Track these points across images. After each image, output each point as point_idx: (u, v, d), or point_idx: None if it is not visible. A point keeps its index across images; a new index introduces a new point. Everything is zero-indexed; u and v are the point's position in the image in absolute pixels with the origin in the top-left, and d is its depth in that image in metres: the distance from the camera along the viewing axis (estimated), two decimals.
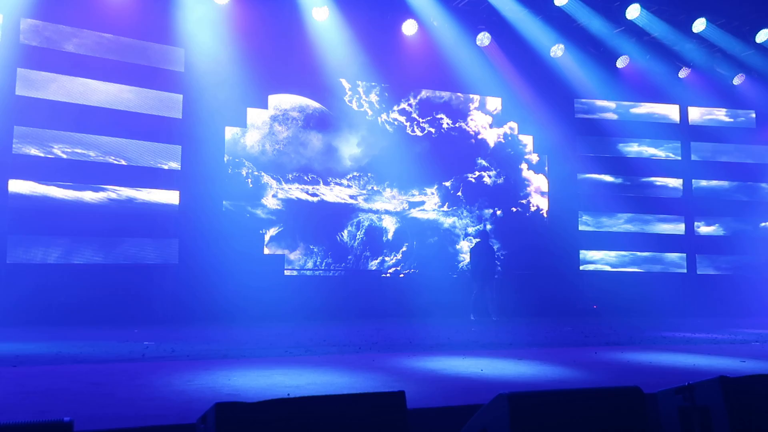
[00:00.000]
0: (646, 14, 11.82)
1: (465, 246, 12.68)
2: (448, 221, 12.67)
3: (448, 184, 12.66)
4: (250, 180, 11.17)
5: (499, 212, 12.92)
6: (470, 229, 12.77)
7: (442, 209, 12.61)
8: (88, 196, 9.87)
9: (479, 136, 12.93)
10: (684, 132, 14.12)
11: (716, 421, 2.93)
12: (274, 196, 11.35)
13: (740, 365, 5.27)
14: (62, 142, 9.70)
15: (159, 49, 10.54)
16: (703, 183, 14.11)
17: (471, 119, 12.88)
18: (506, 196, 13.04)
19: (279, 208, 11.37)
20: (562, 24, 11.94)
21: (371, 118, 12.12)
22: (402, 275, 12.10)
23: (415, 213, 12.43)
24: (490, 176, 12.92)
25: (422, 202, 12.49)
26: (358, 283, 11.70)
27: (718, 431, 2.92)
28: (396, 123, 12.33)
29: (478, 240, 11.63)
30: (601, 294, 12.44)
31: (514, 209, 12.97)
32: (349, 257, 11.97)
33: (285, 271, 11.28)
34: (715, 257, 13.99)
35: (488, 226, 12.51)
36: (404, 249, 12.31)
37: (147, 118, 10.31)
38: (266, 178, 11.31)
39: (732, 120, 14.37)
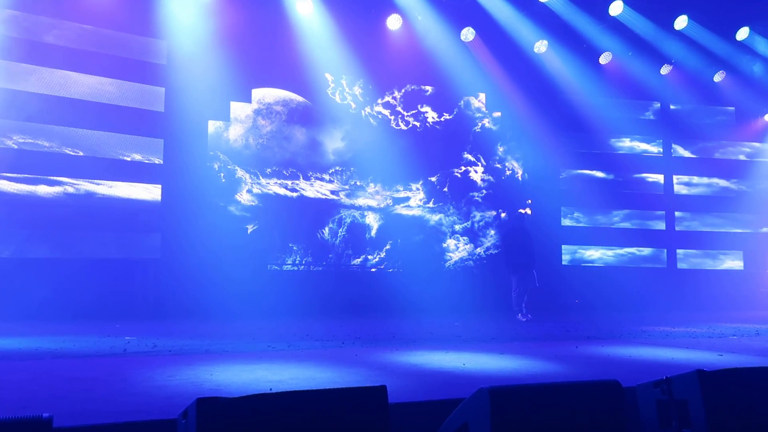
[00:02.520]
0: (628, 11, 11.90)
1: (452, 244, 12.59)
2: (434, 218, 12.47)
3: (434, 179, 12.50)
4: (222, 174, 10.94)
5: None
6: (457, 227, 12.60)
7: (427, 205, 12.42)
8: (68, 189, 9.76)
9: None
10: (665, 128, 14.26)
11: (693, 414, 2.97)
12: (248, 191, 11.08)
13: (717, 359, 5.35)
14: (42, 135, 9.57)
15: (141, 41, 10.42)
16: (685, 179, 14.28)
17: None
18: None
19: (254, 204, 11.09)
20: (546, 20, 11.98)
21: (354, 111, 11.99)
22: (391, 270, 12.01)
23: (400, 209, 12.23)
24: (476, 171, 12.84)
25: (407, 198, 12.29)
26: (342, 278, 11.64)
27: (696, 424, 2.96)
28: (380, 116, 12.21)
29: (513, 223, 10.51)
30: (583, 289, 12.52)
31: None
32: (330, 255, 11.73)
33: (268, 266, 11.20)
34: (696, 252, 14.18)
35: (527, 209, 11.44)
36: (388, 247, 12.10)
37: (128, 111, 10.20)
38: (240, 173, 11.05)
39: (712, 116, 14.53)
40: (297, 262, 11.44)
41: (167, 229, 10.37)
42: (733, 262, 14.35)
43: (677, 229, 14.17)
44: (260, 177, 11.20)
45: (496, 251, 12.76)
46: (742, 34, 12.69)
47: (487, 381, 4.05)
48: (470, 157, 12.80)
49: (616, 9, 11.72)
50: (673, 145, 14.32)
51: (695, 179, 14.35)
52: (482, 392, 2.64)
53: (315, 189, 11.63)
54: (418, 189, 12.40)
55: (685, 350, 6.02)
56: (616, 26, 12.27)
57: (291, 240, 11.44)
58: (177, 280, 10.10)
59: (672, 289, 13.48)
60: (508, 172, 13.06)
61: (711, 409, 2.92)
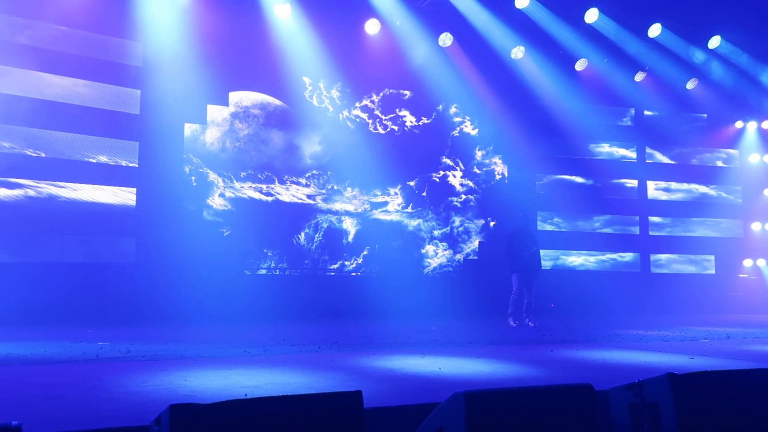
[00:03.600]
0: (604, 18, 12.07)
1: (431, 250, 12.45)
2: (412, 223, 12.32)
3: (412, 183, 12.39)
4: (194, 178, 10.71)
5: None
6: (436, 232, 12.47)
7: (406, 210, 12.28)
8: (29, 192, 9.59)
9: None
10: (639, 134, 14.47)
11: (664, 416, 3.02)
12: (221, 195, 10.86)
13: (689, 362, 5.43)
14: (10, 137, 9.41)
15: (116, 43, 10.30)
16: (663, 184, 14.53)
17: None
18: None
19: (227, 208, 10.86)
20: (523, 26, 12.10)
21: (332, 114, 11.90)
22: (372, 274, 11.92)
23: (378, 214, 12.09)
24: (455, 175, 12.73)
25: (385, 203, 12.16)
26: (319, 282, 11.56)
27: (666, 427, 3.01)
28: (358, 120, 12.12)
29: (518, 224, 9.92)
30: (558, 293, 12.60)
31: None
32: (306, 261, 11.54)
33: (245, 271, 11.09)
34: (668, 256, 14.41)
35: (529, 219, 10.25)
36: (365, 252, 11.92)
37: (103, 114, 10.07)
38: (213, 177, 10.80)
39: (686, 123, 14.77)
40: (272, 267, 11.26)
41: (142, 232, 10.24)
42: (707, 266, 14.62)
43: (655, 234, 14.37)
44: (234, 181, 11.04)
45: (476, 257, 12.78)
46: (714, 42, 12.95)
47: (462, 385, 4.07)
48: (449, 162, 12.79)
49: (591, 16, 11.89)
50: (649, 151, 14.53)
51: (673, 185, 14.60)
52: (457, 396, 2.65)
53: (291, 193, 11.46)
54: (396, 194, 12.31)
55: (657, 353, 6.11)
56: (592, 33, 12.43)
57: (266, 245, 11.26)
58: (151, 284, 9.98)
59: (646, 293, 13.69)
60: (488, 177, 13.08)
61: (681, 412, 2.97)
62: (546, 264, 13.45)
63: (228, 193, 11.00)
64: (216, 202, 10.86)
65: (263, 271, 11.19)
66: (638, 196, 14.37)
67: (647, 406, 3.05)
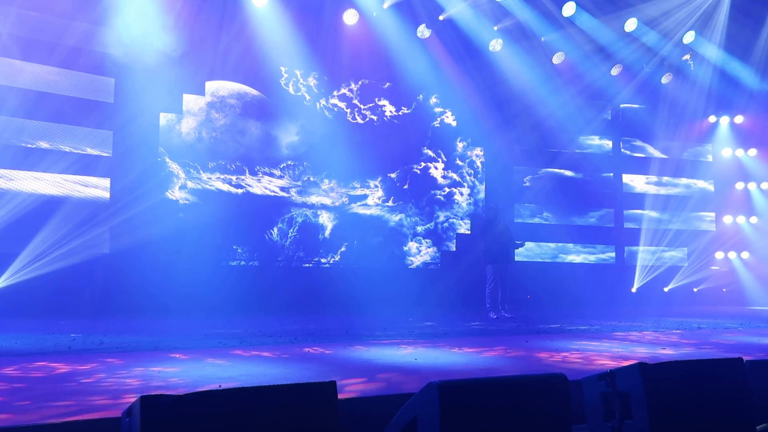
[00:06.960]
0: (581, 12, 12.14)
1: (413, 247, 12.02)
2: (394, 218, 11.83)
3: (393, 175, 12.01)
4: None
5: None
6: (419, 228, 12.05)
7: (386, 204, 11.82)
8: (10, 184, 9.41)
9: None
10: (615, 128, 14.59)
11: (635, 405, 3.06)
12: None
13: (660, 352, 5.52)
14: None
15: (89, 29, 10.08)
16: (653, 178, 14.75)
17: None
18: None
19: (189, 201, 10.43)
20: (501, 19, 12.12)
21: (309, 103, 11.60)
22: (352, 267, 11.73)
23: (357, 208, 11.63)
24: (437, 167, 12.42)
25: (364, 196, 11.69)
26: (296, 275, 11.41)
27: (637, 415, 3.05)
28: (336, 109, 11.79)
29: (489, 215, 9.90)
30: (534, 284, 12.66)
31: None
32: (279, 259, 11.07)
33: (222, 262, 10.93)
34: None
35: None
36: (343, 249, 11.47)
37: (76, 102, 9.88)
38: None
39: (660, 117, 14.93)
40: (242, 265, 10.76)
41: (116, 223, 10.07)
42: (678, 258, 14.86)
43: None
44: (202, 171, 10.58)
45: (454, 249, 12.69)
46: (689, 38, 13.11)
47: (437, 375, 4.09)
48: (430, 153, 12.44)
49: (568, 10, 11.94)
50: (625, 144, 14.67)
51: (648, 178, 14.79)
52: (431, 387, 2.66)
53: (263, 185, 10.94)
54: (376, 186, 11.87)
55: (630, 343, 6.19)
56: (569, 26, 12.48)
57: (235, 241, 10.80)
58: (126, 275, 9.83)
59: (621, 284, 13.89)
60: (471, 169, 12.90)
61: (652, 401, 3.01)
62: (545, 260, 13.52)
63: (192, 185, 10.56)
64: (177, 194, 10.44)
65: (235, 263, 11.00)
66: (614, 188, 14.51)
67: (619, 395, 3.09)
